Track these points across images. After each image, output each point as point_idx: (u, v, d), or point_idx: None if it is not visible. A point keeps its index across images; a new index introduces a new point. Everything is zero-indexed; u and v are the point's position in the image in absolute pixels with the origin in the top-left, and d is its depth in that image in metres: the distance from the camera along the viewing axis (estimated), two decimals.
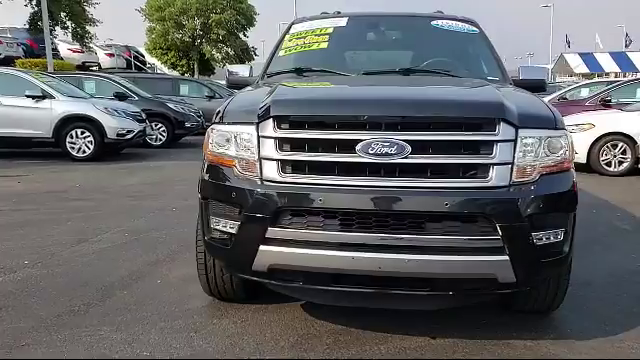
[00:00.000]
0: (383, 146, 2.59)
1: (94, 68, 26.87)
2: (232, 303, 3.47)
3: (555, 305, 3.26)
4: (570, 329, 3.21)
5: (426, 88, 3.43)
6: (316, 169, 2.68)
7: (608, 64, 48.69)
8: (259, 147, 2.76)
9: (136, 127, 11.29)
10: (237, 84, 4.40)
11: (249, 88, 3.61)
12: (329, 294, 2.91)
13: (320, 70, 3.93)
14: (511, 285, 2.70)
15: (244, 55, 35.92)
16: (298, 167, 2.70)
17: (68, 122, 10.59)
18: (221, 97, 17.94)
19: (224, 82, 24.21)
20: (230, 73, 4.42)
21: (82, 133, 10.63)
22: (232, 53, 35.20)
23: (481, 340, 3.03)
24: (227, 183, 2.82)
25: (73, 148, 10.65)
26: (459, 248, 2.58)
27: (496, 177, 2.61)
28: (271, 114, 2.75)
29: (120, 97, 12.90)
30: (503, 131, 2.65)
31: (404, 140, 2.60)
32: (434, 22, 4.37)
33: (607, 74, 45.19)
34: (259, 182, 2.74)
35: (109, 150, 11.04)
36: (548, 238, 2.68)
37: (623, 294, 3.76)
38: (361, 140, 2.62)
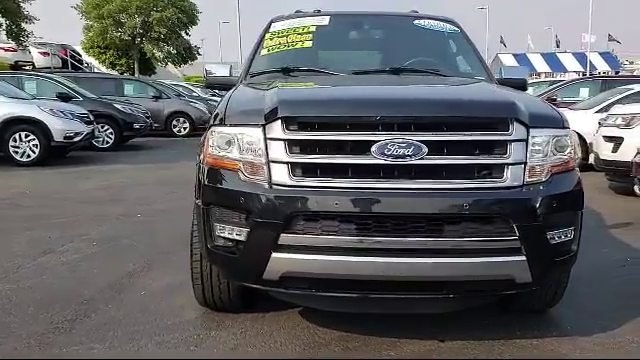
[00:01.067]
0: (400, 147, 2.53)
1: (27, 67, 25.58)
2: (226, 313, 3.32)
3: (554, 303, 3.29)
4: (569, 326, 3.25)
5: (436, 88, 3.41)
6: (330, 172, 2.58)
7: (540, 64, 50.73)
8: (267, 150, 2.64)
9: (84, 129, 10.81)
10: (217, 84, 4.26)
11: (241, 88, 3.46)
12: (335, 300, 2.83)
13: (308, 69, 3.84)
14: (526, 285, 2.70)
15: (187, 54, 35.16)
16: (310, 170, 2.60)
17: (10, 125, 10.01)
18: (168, 97, 17.53)
19: (169, 81, 23.61)
20: (208, 72, 4.25)
21: (26, 136, 10.07)
22: (174, 52, 34.38)
23: (488, 341, 3.02)
24: (233, 188, 2.68)
25: (17, 152, 10.08)
26: (477, 250, 2.55)
27: (511, 177, 2.60)
28: (279, 115, 2.64)
29: (63, 98, 12.28)
30: (516, 131, 2.64)
31: (420, 141, 2.54)
32: (417, 21, 4.36)
33: (539, 74, 47.03)
34: (267, 186, 2.62)
35: (55, 154, 10.51)
36: (560, 237, 2.68)
37: (608, 290, 3.84)
38: (376, 141, 2.54)
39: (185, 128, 17.30)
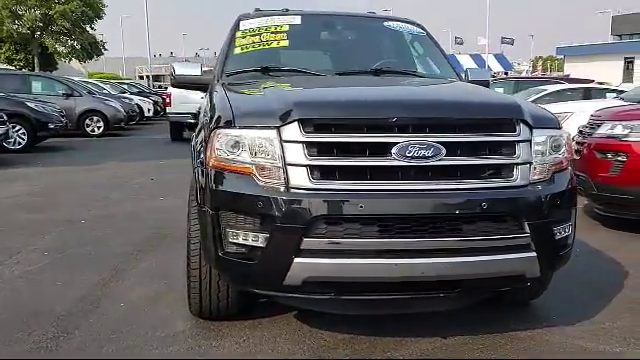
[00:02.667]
0: (420, 148, 2.55)
1: None
2: (220, 322, 3.20)
3: (537, 296, 3.45)
4: (554, 316, 3.41)
5: (442, 90, 3.45)
6: (350, 174, 2.56)
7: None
8: (283, 152, 2.57)
9: None
10: (186, 83, 4.10)
11: (232, 88, 3.33)
12: (347, 303, 2.82)
13: (291, 69, 3.79)
14: (534, 280, 2.82)
15: (92, 49, 33.45)
16: (330, 172, 2.56)
17: None
18: (80, 95, 16.58)
19: (78, 78, 22.29)
20: (175, 70, 4.07)
21: None
22: (78, 47, 32.58)
23: (487, 335, 3.11)
24: (250, 192, 2.58)
25: None
26: (494, 248, 2.62)
27: (520, 176, 2.69)
28: (296, 117, 2.57)
29: None
30: (522, 131, 2.74)
31: (439, 142, 2.58)
32: (386, 23, 4.41)
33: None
34: (284, 189, 2.56)
35: None
36: (562, 232, 2.82)
37: (579, 282, 4.06)
38: (396, 143, 2.55)
39: (99, 127, 16.41)
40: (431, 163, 2.57)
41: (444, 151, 2.57)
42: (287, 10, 4.42)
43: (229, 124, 2.71)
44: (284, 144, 2.58)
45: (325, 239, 2.51)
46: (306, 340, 3.03)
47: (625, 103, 6.98)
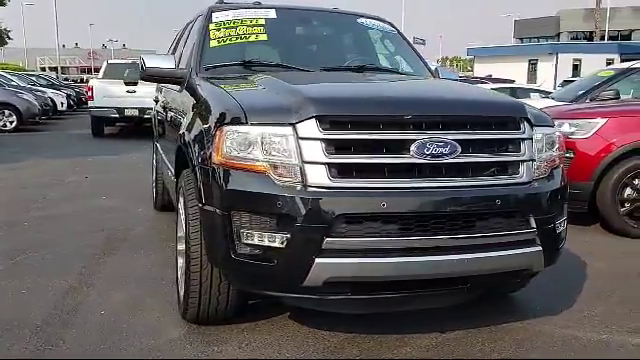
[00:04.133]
0: (438, 146, 2.56)
1: None
2: (216, 326, 3.07)
3: (519, 288, 3.57)
4: (537, 307, 3.55)
5: (449, 88, 3.47)
6: (370, 172, 2.53)
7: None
8: (299, 150, 2.50)
9: None
10: (158, 76, 3.90)
11: (227, 83, 3.20)
12: (356, 302, 2.79)
13: (274, 64, 3.70)
14: (535, 273, 2.91)
15: None
16: (349, 170, 2.52)
17: None
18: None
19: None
20: (145, 63, 3.85)
21: None
22: None
23: (483, 329, 3.17)
24: (267, 191, 2.49)
25: None
26: (506, 243, 2.68)
27: (525, 173, 2.77)
28: (313, 114, 2.51)
29: None
30: (526, 129, 2.82)
31: (454, 139, 2.60)
32: (359, 20, 4.41)
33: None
34: (301, 188, 2.49)
35: None
36: (560, 226, 2.93)
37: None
38: (414, 140, 2.55)
39: (12, 122, 15.29)
40: (448, 160, 2.59)
41: (459, 148, 2.60)
42: (259, 3, 4.31)
43: (237, 121, 2.60)
44: (300, 141, 2.51)
45: (347, 238, 2.47)
46: (309, 341, 2.98)
47: (559, 103, 7.39)
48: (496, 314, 3.37)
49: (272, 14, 4.10)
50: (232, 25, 3.97)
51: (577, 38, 50.47)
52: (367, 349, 2.91)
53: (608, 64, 34.86)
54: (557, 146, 3.04)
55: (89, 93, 13.88)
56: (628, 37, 47.03)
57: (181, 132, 3.29)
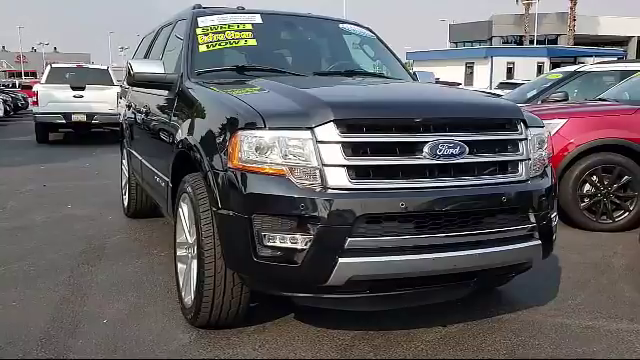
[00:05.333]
0: (448, 147, 2.69)
1: None
2: (224, 330, 3.08)
3: (505, 282, 3.75)
4: (524, 298, 3.73)
5: (452, 92, 3.60)
6: (387, 173, 2.63)
7: None
8: (319, 153, 2.57)
9: None
10: (147, 82, 3.86)
11: (229, 88, 3.22)
12: (373, 300, 2.87)
13: (268, 69, 3.75)
14: (531, 266, 3.09)
15: None
16: (367, 172, 2.61)
17: None
18: None
19: None
20: (133, 68, 3.81)
21: None
22: None
23: (480, 320, 3.32)
24: (289, 194, 2.54)
25: None
26: (511, 238, 2.84)
27: (524, 171, 2.94)
28: (331, 118, 2.59)
29: None
30: (523, 130, 2.99)
31: (462, 141, 2.74)
32: (342, 25, 4.51)
33: None
34: (321, 190, 2.56)
35: None
36: (553, 220, 3.12)
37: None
38: (427, 142, 2.67)
39: None
40: (458, 161, 2.72)
41: (467, 149, 2.74)
42: (243, 8, 4.34)
43: (255, 125, 2.64)
44: (319, 145, 2.58)
45: (367, 238, 2.56)
46: (321, 340, 3.04)
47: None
48: (489, 307, 3.53)
49: (258, 19, 4.14)
50: (219, 30, 3.98)
51: (508, 42, 52.54)
52: (378, 345, 3.00)
53: (539, 67, 36.71)
54: (546, 145, 3.23)
55: (34, 98, 13.38)
56: (555, 41, 49.31)
57: (181, 137, 3.28)
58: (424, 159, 2.66)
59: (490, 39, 52.65)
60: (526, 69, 35.03)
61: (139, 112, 4.80)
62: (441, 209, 2.65)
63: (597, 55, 35.84)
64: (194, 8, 4.35)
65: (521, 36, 50.38)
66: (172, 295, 3.57)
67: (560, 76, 8.90)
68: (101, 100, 13.13)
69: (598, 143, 5.49)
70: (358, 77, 3.89)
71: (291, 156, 2.59)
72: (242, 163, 2.63)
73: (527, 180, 2.95)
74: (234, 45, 3.92)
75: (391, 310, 3.31)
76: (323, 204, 2.52)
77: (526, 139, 3.00)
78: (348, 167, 2.58)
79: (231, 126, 2.73)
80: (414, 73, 4.56)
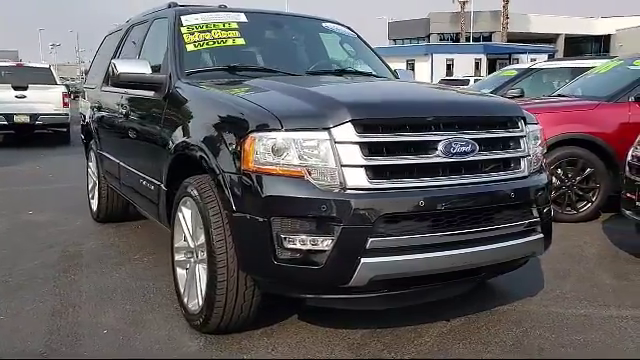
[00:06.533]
0: (461, 145, 2.74)
1: None
2: (231, 334, 3.03)
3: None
4: (515, 290, 3.85)
5: (456, 91, 3.64)
6: (404, 172, 2.65)
7: None
8: (337, 154, 2.57)
9: None
10: (133, 82, 3.74)
11: (230, 88, 3.15)
12: (387, 298, 2.89)
13: (260, 69, 3.71)
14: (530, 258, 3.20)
15: None
16: (384, 172, 2.62)
17: None
18: None
19: None
20: (117, 68, 3.67)
21: None
22: None
23: (480, 313, 3.40)
24: (309, 196, 2.53)
25: None
26: (519, 232, 2.93)
27: (527, 167, 3.04)
28: (349, 118, 2.59)
29: None
30: (523, 127, 3.08)
31: (472, 139, 2.80)
32: (324, 24, 4.51)
33: None
34: (340, 190, 2.56)
35: None
36: (550, 214, 3.23)
37: None
38: (440, 140, 2.71)
39: None
40: (469, 158, 2.78)
41: (477, 147, 2.80)
42: (225, 6, 4.27)
43: (269, 127, 2.61)
44: (337, 145, 2.57)
45: (388, 237, 2.58)
46: (332, 341, 3.03)
47: None
48: (485, 300, 3.62)
49: (242, 18, 4.08)
50: (205, 29, 3.90)
51: (445, 39, 53.88)
52: (389, 342, 3.03)
53: (476, 63, 37.88)
54: (540, 141, 3.34)
55: None
56: (489, 38, 50.95)
57: (180, 140, 3.20)
58: (439, 157, 2.70)
59: (428, 36, 53.82)
60: (464, 66, 36.13)
61: (115, 113, 4.63)
62: (457, 206, 2.70)
63: (530, 52, 37.42)
64: (169, 7, 4.24)
65: (457, 33, 51.76)
66: (168, 301, 3.49)
67: (515, 73, 9.21)
68: (45, 100, 12.58)
69: (565, 137, 5.71)
70: (348, 76, 3.91)
71: (308, 157, 2.57)
72: (257, 165, 2.59)
73: (528, 176, 3.05)
74: (222, 44, 3.84)
75: (394, 308, 3.36)
76: (345, 205, 2.52)
77: (525, 136, 3.09)
78: (366, 167, 2.58)
79: (244, 128, 2.68)
80: (395, 71, 4.61)
